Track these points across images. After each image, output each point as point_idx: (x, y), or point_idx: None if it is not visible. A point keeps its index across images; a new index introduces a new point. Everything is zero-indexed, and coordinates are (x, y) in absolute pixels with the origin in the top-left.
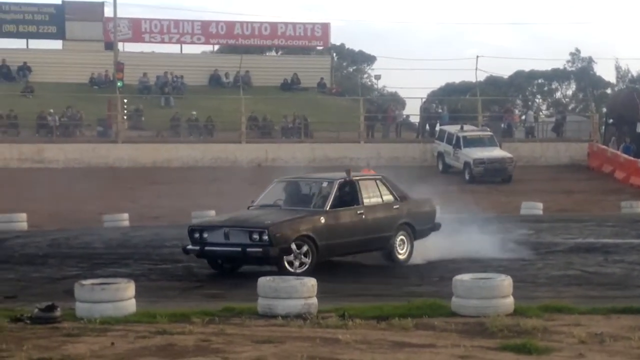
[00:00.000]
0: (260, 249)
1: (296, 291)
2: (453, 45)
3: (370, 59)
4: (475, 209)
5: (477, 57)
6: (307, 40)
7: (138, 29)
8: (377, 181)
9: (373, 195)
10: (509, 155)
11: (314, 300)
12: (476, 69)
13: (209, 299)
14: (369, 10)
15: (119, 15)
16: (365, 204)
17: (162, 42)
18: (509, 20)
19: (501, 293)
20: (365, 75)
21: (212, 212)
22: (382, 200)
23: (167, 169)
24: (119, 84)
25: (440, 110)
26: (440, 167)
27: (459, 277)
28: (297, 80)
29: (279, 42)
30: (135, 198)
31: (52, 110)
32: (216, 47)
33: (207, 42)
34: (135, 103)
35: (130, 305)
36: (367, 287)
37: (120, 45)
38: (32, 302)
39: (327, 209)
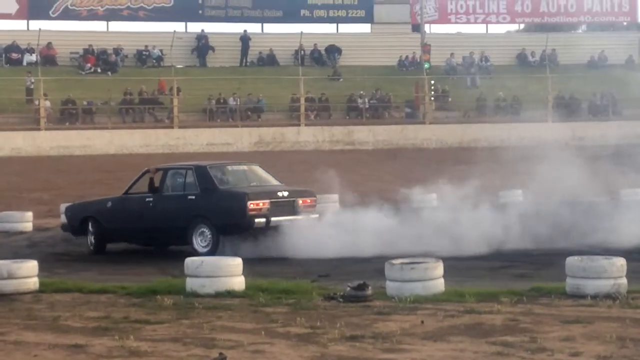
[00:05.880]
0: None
1: (605, 271)
2: None
3: None
4: None
5: None
6: (614, 16)
7: (444, 10)
8: (189, 171)
9: (177, 185)
10: None
11: (624, 280)
12: None
13: (517, 278)
14: None
15: None
16: (164, 193)
17: (468, 22)
18: None
19: None
20: None
21: (519, 192)
22: (184, 191)
23: (474, 149)
24: (426, 65)
25: None
26: None
27: None
28: (604, 57)
29: (585, 18)
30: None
31: (362, 92)
32: (521, 25)
33: (512, 21)
34: (442, 84)
35: (439, 284)
36: None
37: (426, 27)
38: (345, 280)
39: (122, 194)
